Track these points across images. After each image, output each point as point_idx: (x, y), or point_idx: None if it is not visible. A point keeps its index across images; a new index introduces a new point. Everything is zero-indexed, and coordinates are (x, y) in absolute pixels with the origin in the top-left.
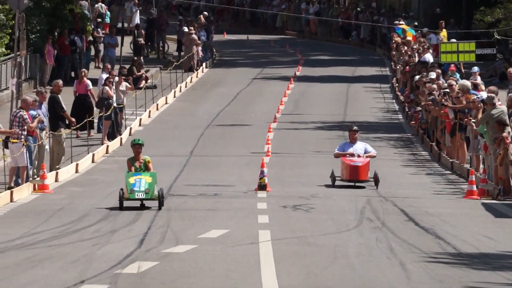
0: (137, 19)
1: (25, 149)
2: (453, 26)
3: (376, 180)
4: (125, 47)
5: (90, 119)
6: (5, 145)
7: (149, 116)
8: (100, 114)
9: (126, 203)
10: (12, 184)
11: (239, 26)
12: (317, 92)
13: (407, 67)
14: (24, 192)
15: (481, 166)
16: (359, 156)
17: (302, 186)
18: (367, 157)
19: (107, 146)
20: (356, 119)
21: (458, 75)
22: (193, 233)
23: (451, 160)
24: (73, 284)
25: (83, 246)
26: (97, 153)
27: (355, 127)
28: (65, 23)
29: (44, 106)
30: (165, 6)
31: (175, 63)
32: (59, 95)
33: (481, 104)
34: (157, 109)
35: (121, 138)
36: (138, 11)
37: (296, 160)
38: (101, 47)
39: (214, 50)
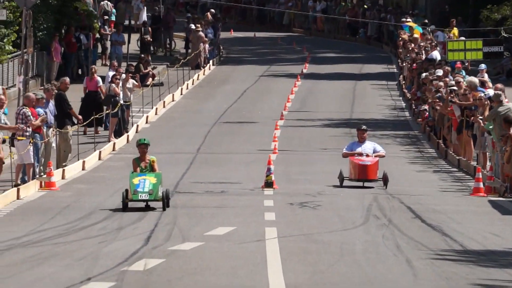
0: (144, 17)
1: (31, 146)
2: (460, 23)
3: (385, 180)
4: (132, 44)
5: (98, 116)
6: (11, 143)
7: (156, 114)
8: (107, 112)
9: (130, 204)
10: (19, 182)
11: (246, 23)
12: (324, 90)
13: (414, 65)
14: (31, 190)
15: (488, 163)
16: (367, 155)
17: (308, 183)
18: (375, 156)
19: (114, 143)
20: (363, 117)
21: (464, 73)
22: (200, 231)
23: (458, 158)
24: (79, 281)
25: (90, 243)
26: (104, 150)
27: (363, 127)
28: (71, 21)
29: (52, 103)
30: (172, 3)
31: (182, 61)
32: (65, 93)
33: (488, 101)
34: (164, 106)
35: (127, 136)
36: (145, 8)
37: (303, 158)
38: (108, 44)
39: (221, 48)
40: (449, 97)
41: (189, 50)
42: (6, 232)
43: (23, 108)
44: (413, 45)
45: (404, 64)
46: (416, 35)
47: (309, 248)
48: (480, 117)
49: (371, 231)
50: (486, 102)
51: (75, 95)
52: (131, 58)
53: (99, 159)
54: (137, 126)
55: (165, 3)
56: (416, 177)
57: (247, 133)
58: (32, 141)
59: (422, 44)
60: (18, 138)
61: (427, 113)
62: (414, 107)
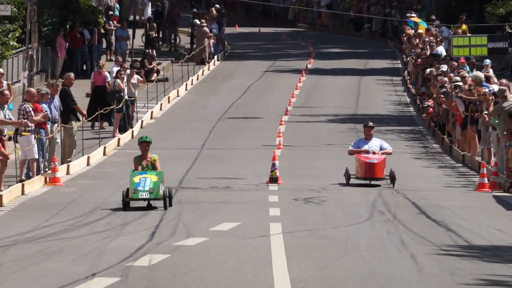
0: (149, 12)
1: (34, 141)
2: (466, 19)
3: (393, 178)
4: (137, 40)
5: (102, 111)
6: (15, 139)
7: (160, 109)
8: (112, 107)
9: (131, 203)
10: (23, 177)
11: (251, 18)
12: (328, 85)
13: (419, 60)
14: (36, 185)
15: (493, 158)
16: (374, 153)
17: (313, 179)
18: (382, 154)
19: (119, 139)
20: (368, 112)
21: (468, 68)
22: (205, 226)
23: (462, 153)
24: (84, 277)
25: (94, 239)
26: (109, 146)
27: (370, 123)
28: (76, 16)
29: (57, 99)
30: None
31: (186, 56)
32: (70, 88)
33: (492, 96)
34: (169, 102)
35: (132, 131)
36: (150, 3)
37: (308, 153)
38: (113, 40)
39: (226, 43)
40: (454, 92)
41: (194, 46)
42: (11, 227)
43: (24, 104)
44: (417, 40)
45: (408, 59)
46: (420, 31)
47: (314, 244)
48: (485, 112)
49: (376, 227)
50: (490, 98)
51: (79, 90)
52: (135, 54)
53: (104, 154)
54: (142, 121)
55: None
56: (420, 173)
57: (252, 129)
58: (37, 136)
59: (426, 39)
60: (23, 133)
61: (432, 109)
62: (418, 103)
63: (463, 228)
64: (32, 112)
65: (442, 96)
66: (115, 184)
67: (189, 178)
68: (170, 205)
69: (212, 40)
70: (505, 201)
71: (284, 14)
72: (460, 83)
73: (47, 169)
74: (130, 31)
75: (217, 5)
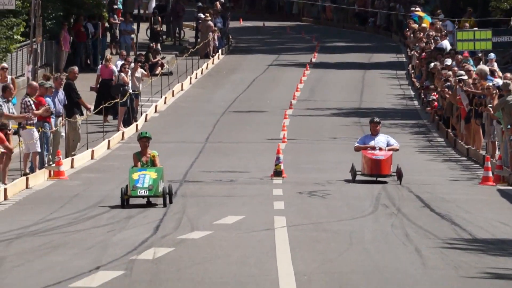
0: (153, 6)
1: (36, 135)
2: (471, 13)
3: (400, 175)
4: (141, 33)
5: (107, 104)
6: (18, 132)
7: (165, 103)
8: (116, 101)
9: (131, 201)
10: (27, 170)
11: (255, 12)
12: (333, 79)
13: (423, 54)
14: (40, 179)
15: (497, 152)
16: (380, 149)
17: (317, 172)
18: (389, 150)
19: (123, 132)
20: (372, 106)
21: (471, 61)
22: (209, 219)
23: (466, 147)
24: (88, 270)
25: (99, 232)
26: (113, 139)
27: (376, 119)
28: (80, 10)
29: (61, 93)
30: None
31: (191, 50)
32: (74, 82)
33: (497, 90)
34: (173, 95)
35: (136, 125)
36: None
37: (312, 147)
38: (118, 33)
39: (230, 37)
40: (458, 86)
41: (198, 40)
42: (15, 221)
43: (26, 97)
44: (422, 34)
45: (413, 53)
46: (424, 25)
47: (318, 237)
48: (490, 105)
49: (380, 220)
50: (494, 92)
51: (84, 84)
52: (140, 48)
53: (108, 148)
54: (146, 115)
55: None
56: (425, 166)
57: (256, 122)
58: (41, 130)
59: (431, 33)
60: (27, 126)
61: (436, 103)
62: (423, 96)
63: (467, 221)
64: (33, 106)
65: (447, 89)
66: (120, 178)
67: (193, 171)
68: (171, 202)
69: (216, 34)
70: (510, 194)
71: (288, 8)
72: (465, 77)
73: (51, 163)
74: (134, 25)
75: None
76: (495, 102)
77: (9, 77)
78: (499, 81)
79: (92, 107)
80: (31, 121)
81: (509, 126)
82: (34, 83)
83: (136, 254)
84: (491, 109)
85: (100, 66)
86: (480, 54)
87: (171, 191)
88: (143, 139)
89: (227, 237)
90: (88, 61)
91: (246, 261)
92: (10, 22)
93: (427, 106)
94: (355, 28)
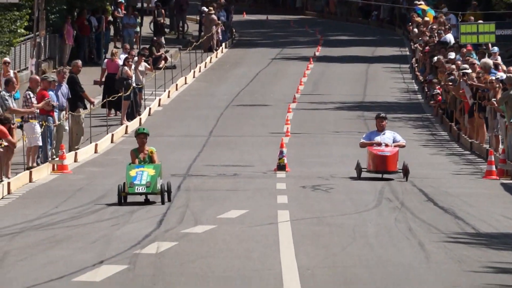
0: None
1: (38, 128)
2: (475, 7)
3: (406, 172)
4: (145, 27)
5: (111, 98)
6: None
7: (168, 97)
8: (120, 94)
9: (129, 198)
10: (30, 164)
11: (258, 6)
12: (336, 72)
13: (427, 47)
14: (43, 173)
15: (500, 146)
16: (386, 145)
17: (321, 166)
18: (395, 146)
19: (126, 126)
20: (376, 100)
21: (475, 55)
22: (212, 214)
23: (470, 140)
24: (92, 264)
25: (102, 226)
26: (116, 133)
27: (382, 114)
28: (84, 3)
29: (65, 86)
30: None
31: (194, 43)
32: (78, 75)
33: (500, 84)
34: (177, 89)
35: (140, 119)
36: None
37: (315, 140)
38: (121, 27)
39: (234, 30)
40: (462, 80)
41: (202, 33)
42: (19, 215)
43: (27, 91)
44: (425, 28)
45: (416, 46)
46: (427, 18)
47: (322, 231)
48: (494, 99)
49: (384, 214)
50: (497, 85)
51: (87, 78)
52: (143, 41)
53: (112, 142)
54: (150, 109)
55: None
56: (428, 160)
57: (260, 116)
58: (45, 124)
59: (434, 27)
60: (30, 120)
61: (440, 97)
62: (426, 90)
63: (470, 215)
64: (33, 99)
65: (450, 83)
66: (123, 172)
67: (197, 165)
68: (169, 200)
69: (220, 28)
70: None
71: (292, 1)
72: (469, 71)
73: (55, 157)
74: (138, 19)
75: None
76: (499, 96)
77: (11, 71)
78: (502, 75)
79: (96, 101)
80: (32, 115)
81: None
82: (36, 76)
83: (139, 248)
84: (495, 102)
85: (106, 60)
86: (484, 47)
87: (169, 188)
88: (141, 135)
89: (231, 231)
90: (92, 55)
91: (249, 255)
92: (14, 15)
93: (430, 100)
94: (359, 22)
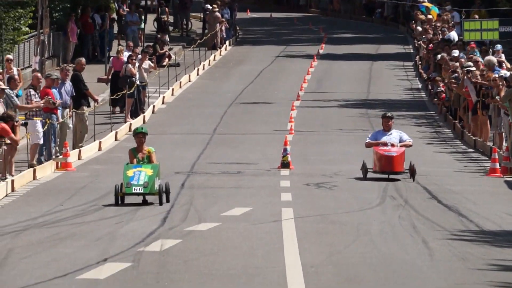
0: None
1: (39, 126)
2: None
3: (412, 172)
4: (149, 24)
5: (115, 96)
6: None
7: (172, 94)
8: (124, 92)
9: (126, 199)
10: (34, 162)
11: (262, 3)
12: (340, 70)
13: (431, 45)
14: (47, 170)
15: (504, 144)
16: (393, 145)
17: (325, 164)
18: (402, 146)
19: (130, 124)
20: (379, 97)
21: (478, 53)
22: (216, 211)
23: (474, 138)
24: (95, 262)
25: (106, 224)
26: (120, 131)
27: (389, 114)
28: (88, 1)
29: (69, 84)
30: None
31: (198, 41)
32: (82, 73)
33: (503, 81)
34: (180, 87)
35: (144, 116)
36: None
37: (319, 138)
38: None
39: (238, 28)
40: (466, 77)
41: (206, 31)
42: (22, 212)
43: (29, 88)
44: (428, 25)
45: (420, 43)
46: (430, 16)
47: (326, 229)
48: (498, 97)
49: (387, 212)
50: (501, 83)
51: (91, 75)
52: (147, 39)
53: (116, 139)
54: (154, 106)
55: None
56: (432, 158)
57: (264, 114)
58: (48, 122)
59: (438, 24)
60: (35, 118)
61: (444, 94)
62: (430, 88)
63: (474, 213)
64: (34, 97)
65: (454, 81)
66: None
67: (201, 163)
68: (167, 200)
69: (224, 25)
70: None
71: None
72: (472, 68)
73: (58, 154)
74: (141, 16)
75: None
76: (502, 93)
77: (14, 68)
78: (506, 72)
79: (100, 99)
80: (32, 112)
81: None
82: (38, 74)
83: (143, 246)
84: (498, 99)
85: (112, 58)
86: (487, 43)
87: (168, 189)
88: (139, 135)
89: (235, 229)
90: (96, 53)
91: (253, 253)
92: (18, 13)
93: (434, 98)
94: (362, 19)
